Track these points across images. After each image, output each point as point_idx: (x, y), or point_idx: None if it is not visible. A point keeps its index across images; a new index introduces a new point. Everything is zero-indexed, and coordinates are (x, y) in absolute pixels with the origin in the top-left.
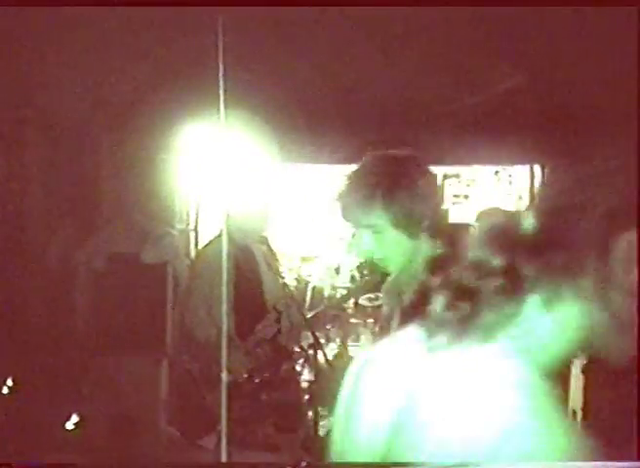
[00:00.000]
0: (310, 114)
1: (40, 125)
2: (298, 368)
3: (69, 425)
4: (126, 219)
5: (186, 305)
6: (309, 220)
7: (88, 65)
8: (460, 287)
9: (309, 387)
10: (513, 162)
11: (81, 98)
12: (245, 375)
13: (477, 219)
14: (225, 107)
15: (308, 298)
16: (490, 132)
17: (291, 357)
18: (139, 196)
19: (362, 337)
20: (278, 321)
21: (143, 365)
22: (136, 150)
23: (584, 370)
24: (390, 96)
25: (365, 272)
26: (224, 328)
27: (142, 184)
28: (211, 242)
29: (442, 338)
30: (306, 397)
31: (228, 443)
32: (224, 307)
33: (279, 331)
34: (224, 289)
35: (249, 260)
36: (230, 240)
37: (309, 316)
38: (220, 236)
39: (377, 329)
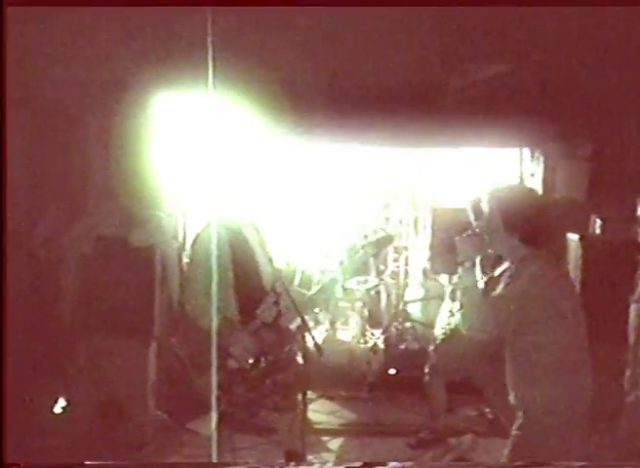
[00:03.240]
0: (299, 96)
1: (27, 108)
2: (290, 349)
3: (57, 409)
4: (113, 202)
5: (186, 294)
6: (299, 203)
7: (74, 47)
8: None
9: (300, 370)
10: (503, 145)
11: (68, 81)
12: (251, 361)
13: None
14: (214, 86)
15: (298, 282)
16: (479, 115)
17: (293, 338)
18: (126, 179)
19: (351, 321)
20: (277, 303)
21: (131, 348)
22: (123, 133)
23: None
24: (380, 78)
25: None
26: (214, 310)
27: (130, 167)
28: (204, 229)
29: None
30: (297, 380)
31: (225, 428)
32: (214, 291)
33: (279, 312)
34: (214, 275)
35: (243, 244)
36: (223, 225)
37: (304, 297)
38: (211, 222)
39: (365, 312)
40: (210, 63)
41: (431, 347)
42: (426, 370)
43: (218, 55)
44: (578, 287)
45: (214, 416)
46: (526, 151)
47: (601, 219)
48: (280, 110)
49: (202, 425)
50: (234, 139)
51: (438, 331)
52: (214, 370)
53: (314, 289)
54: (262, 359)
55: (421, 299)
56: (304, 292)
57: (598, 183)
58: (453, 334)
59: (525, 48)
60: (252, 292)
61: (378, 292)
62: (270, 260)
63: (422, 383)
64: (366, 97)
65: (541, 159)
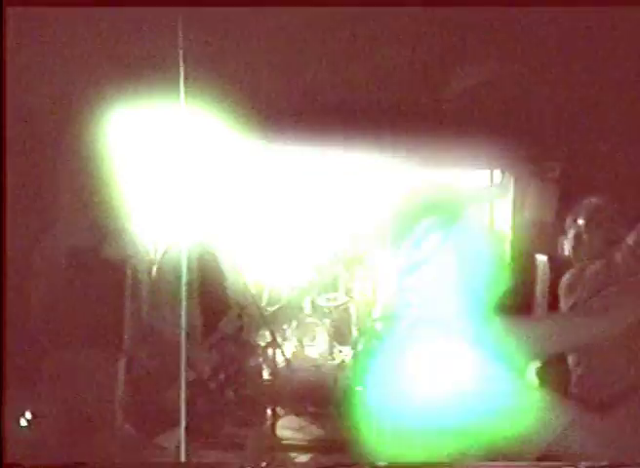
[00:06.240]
0: (272, 110)
1: None
2: (258, 365)
3: (22, 422)
4: (85, 214)
5: (152, 304)
6: (269, 219)
7: (45, 60)
8: None
9: (268, 386)
10: (472, 166)
11: (41, 92)
12: (209, 373)
13: None
14: (186, 100)
15: (266, 297)
16: (448, 135)
17: (255, 353)
18: (99, 191)
19: (319, 337)
20: (240, 317)
21: (100, 361)
22: (96, 145)
23: (537, 374)
24: (349, 94)
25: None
26: (183, 324)
27: (103, 179)
28: (173, 242)
29: None
30: (265, 395)
31: (190, 441)
32: (183, 306)
33: (242, 326)
34: (183, 288)
35: (211, 259)
36: (192, 239)
37: (269, 312)
38: (182, 237)
39: (333, 329)
40: (181, 76)
41: None
42: None
43: (188, 68)
44: (546, 307)
45: (182, 430)
46: (496, 172)
47: None
48: (252, 125)
49: (168, 439)
50: (206, 153)
51: None
52: (182, 382)
53: (279, 304)
54: (222, 371)
55: (389, 317)
56: (269, 307)
57: (567, 205)
58: None
59: (494, 68)
60: (216, 305)
61: (346, 310)
62: (238, 275)
63: None
64: (337, 111)
65: (511, 180)
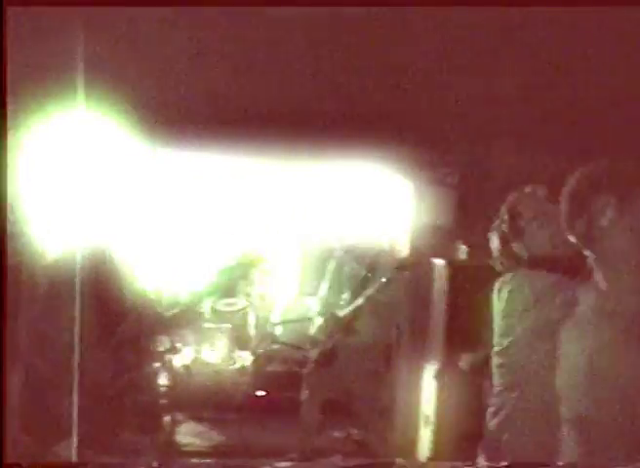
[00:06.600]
0: (170, 116)
1: None
2: (157, 370)
3: None
4: None
5: (48, 309)
6: (167, 222)
7: None
8: None
9: (167, 392)
10: (370, 172)
11: None
12: (107, 379)
13: None
14: (85, 104)
15: (164, 301)
16: (348, 140)
17: (153, 358)
18: None
19: (217, 343)
20: (138, 321)
21: None
22: None
23: (436, 376)
24: (255, 97)
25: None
26: (76, 329)
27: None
28: (68, 247)
29: None
30: (164, 401)
31: (87, 448)
32: (77, 310)
33: (140, 331)
34: (77, 293)
35: (107, 263)
36: (89, 243)
37: (167, 317)
38: (78, 240)
39: (233, 333)
40: (81, 80)
41: (306, 370)
42: (304, 392)
43: (89, 72)
44: (443, 310)
45: (74, 438)
46: (394, 178)
47: (467, 246)
48: (149, 130)
49: (67, 447)
50: (104, 157)
51: (314, 353)
52: (75, 389)
53: (177, 308)
54: (120, 377)
55: (289, 321)
56: (167, 311)
57: (465, 211)
58: (332, 356)
59: (395, 75)
60: (113, 309)
61: (245, 314)
62: (135, 279)
63: (298, 404)
64: (242, 114)
65: (409, 186)
